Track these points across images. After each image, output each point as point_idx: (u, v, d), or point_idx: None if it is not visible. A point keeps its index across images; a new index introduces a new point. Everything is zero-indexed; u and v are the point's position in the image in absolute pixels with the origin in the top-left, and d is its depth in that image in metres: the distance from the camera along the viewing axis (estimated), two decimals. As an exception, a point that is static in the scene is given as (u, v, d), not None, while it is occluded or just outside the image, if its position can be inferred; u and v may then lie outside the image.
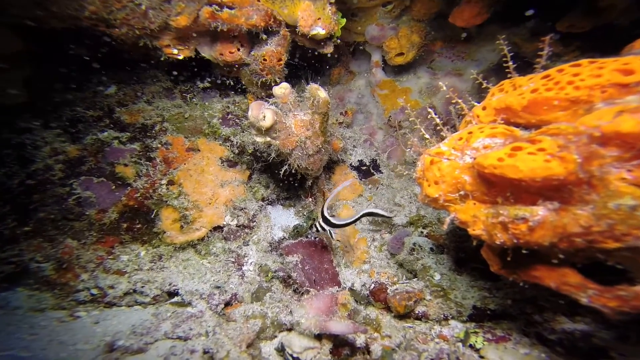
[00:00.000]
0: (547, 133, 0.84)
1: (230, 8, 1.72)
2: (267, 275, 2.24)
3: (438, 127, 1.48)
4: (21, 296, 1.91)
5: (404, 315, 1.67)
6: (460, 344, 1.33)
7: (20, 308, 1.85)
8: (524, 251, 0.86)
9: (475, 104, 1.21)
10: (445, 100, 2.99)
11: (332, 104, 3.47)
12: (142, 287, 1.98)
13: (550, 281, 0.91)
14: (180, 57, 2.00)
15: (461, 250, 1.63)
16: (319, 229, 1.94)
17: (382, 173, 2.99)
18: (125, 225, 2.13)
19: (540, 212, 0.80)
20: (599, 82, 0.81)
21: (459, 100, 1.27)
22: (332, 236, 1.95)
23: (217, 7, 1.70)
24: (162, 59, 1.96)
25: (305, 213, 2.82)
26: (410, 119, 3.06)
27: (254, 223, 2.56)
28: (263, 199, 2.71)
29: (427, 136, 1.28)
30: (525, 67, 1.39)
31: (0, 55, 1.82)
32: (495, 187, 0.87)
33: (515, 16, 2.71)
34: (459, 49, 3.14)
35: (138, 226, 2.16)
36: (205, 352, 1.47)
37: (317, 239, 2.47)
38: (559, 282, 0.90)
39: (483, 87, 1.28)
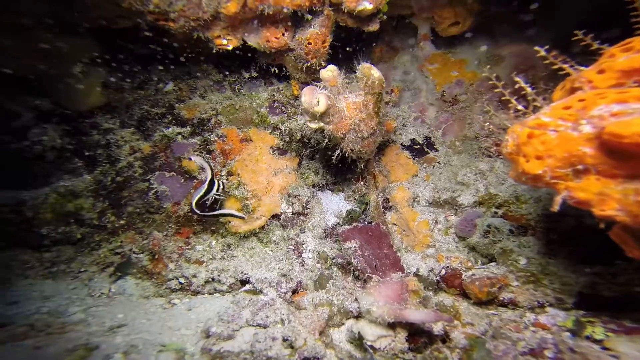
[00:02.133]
0: None
1: (276, -11, 1.67)
2: (326, 262, 2.25)
3: (514, 98, 1.30)
4: (131, 284, 2.16)
5: (486, 302, 1.56)
6: (567, 334, 1.20)
7: (133, 295, 2.11)
8: None
9: (581, 67, 1.02)
10: (512, 69, 2.67)
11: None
12: (219, 275, 2.12)
13: None
14: (230, 48, 2.01)
15: (553, 231, 1.46)
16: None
17: (438, 151, 2.81)
18: (196, 217, 2.26)
19: None
20: None
21: (565, 66, 1.08)
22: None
23: (263, -11, 1.65)
24: (213, 51, 1.99)
25: (356, 197, 2.77)
26: (468, 92, 2.82)
27: (308, 210, 2.57)
28: (313, 185, 2.71)
29: (520, 107, 1.12)
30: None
31: (83, 60, 1.97)
32: (637, 159, 0.73)
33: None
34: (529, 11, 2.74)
35: (206, 216, 2.29)
36: (284, 340, 1.53)
37: (373, 223, 2.42)
38: None
39: (592, 47, 1.06)
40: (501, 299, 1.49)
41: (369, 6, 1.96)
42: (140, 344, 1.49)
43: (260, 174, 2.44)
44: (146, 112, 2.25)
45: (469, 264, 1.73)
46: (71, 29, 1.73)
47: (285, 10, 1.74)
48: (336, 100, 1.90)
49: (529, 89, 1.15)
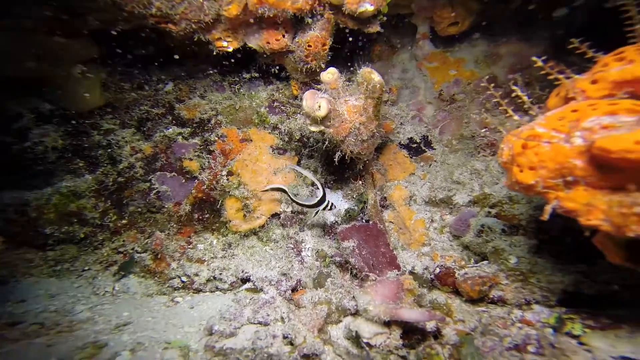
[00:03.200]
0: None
1: (277, -7, 1.68)
2: (325, 260, 2.31)
3: (503, 101, 1.33)
4: (135, 282, 2.20)
5: (477, 300, 1.63)
6: (551, 330, 1.27)
7: (137, 293, 2.15)
8: None
9: (575, 75, 1.06)
10: (509, 69, 2.70)
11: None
12: (220, 274, 2.17)
13: None
14: (230, 50, 2.02)
15: (542, 231, 1.51)
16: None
17: (435, 149, 2.85)
18: (197, 216, 2.31)
19: None
20: None
21: (560, 77, 1.12)
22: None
23: (264, -8, 1.66)
24: (214, 53, 2.00)
25: (354, 196, 2.82)
26: (465, 92, 2.85)
27: (307, 209, 2.62)
28: (312, 184, 2.75)
29: (516, 117, 1.16)
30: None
31: (82, 61, 1.98)
32: (623, 172, 0.77)
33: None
34: (528, 11, 2.75)
35: (207, 216, 2.33)
36: (284, 337, 1.59)
37: (370, 222, 2.46)
38: None
39: (587, 55, 1.10)
40: (491, 296, 1.56)
41: (370, 8, 1.97)
42: (146, 341, 1.54)
43: (260, 174, 2.47)
44: (146, 112, 2.26)
45: (463, 262, 1.79)
46: (72, 31, 1.73)
47: (285, 13, 1.75)
48: (337, 103, 1.93)
49: (525, 98, 1.18)
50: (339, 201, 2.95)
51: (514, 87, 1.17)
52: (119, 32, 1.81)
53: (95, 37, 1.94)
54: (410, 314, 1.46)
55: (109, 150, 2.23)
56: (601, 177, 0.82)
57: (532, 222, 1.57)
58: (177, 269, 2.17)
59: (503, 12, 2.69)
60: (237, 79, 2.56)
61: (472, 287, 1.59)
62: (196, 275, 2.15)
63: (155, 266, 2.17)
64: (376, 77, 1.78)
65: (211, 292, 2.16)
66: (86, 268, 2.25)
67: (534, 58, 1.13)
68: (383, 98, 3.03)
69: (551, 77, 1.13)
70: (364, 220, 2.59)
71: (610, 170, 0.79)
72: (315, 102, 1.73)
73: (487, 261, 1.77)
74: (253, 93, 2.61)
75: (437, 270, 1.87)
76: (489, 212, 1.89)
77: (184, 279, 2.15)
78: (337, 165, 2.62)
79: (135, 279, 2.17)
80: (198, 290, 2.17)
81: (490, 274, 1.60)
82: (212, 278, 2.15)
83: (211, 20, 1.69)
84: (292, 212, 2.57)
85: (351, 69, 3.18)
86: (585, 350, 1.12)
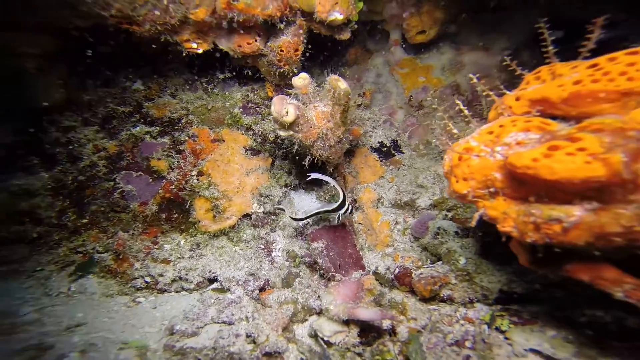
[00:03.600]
0: (588, 129, 0.81)
1: (247, -3, 1.70)
2: (295, 261, 2.37)
3: (462, 112, 1.44)
4: (94, 283, 2.14)
5: (429, 299, 1.74)
6: (485, 326, 1.39)
7: (95, 294, 2.09)
8: (556, 250, 0.87)
9: (507, 92, 1.16)
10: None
11: (349, 85, 3.41)
12: (186, 274, 2.16)
13: (584, 275, 0.92)
14: (200, 51, 2.02)
15: (487, 234, 1.64)
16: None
17: (404, 154, 2.96)
18: (165, 216, 2.29)
19: (576, 212, 0.79)
20: None
21: (491, 93, 1.23)
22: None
23: (233, -3, 1.68)
24: (183, 54, 1.99)
25: (326, 197, 2.89)
26: (432, 98, 2.97)
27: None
28: (286, 185, 2.79)
29: (455, 131, 1.26)
30: (570, 40, 1.24)
31: (38, 56, 1.90)
32: (528, 185, 0.87)
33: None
34: (489, 19, 2.92)
35: (175, 216, 2.32)
36: (248, 336, 1.63)
37: (339, 223, 2.54)
38: (593, 276, 0.90)
39: (516, 72, 1.22)
40: (442, 295, 1.67)
41: (339, 17, 2.03)
42: (100, 342, 1.52)
43: (232, 174, 2.49)
44: (112, 110, 2.21)
45: (419, 263, 1.90)
46: (17, 25, 1.65)
47: (255, 18, 1.78)
48: (306, 109, 1.97)
49: (465, 111, 1.28)
50: (312, 202, 3.02)
51: (457, 101, 1.27)
52: (82, 29, 1.76)
53: (55, 32, 1.87)
54: (366, 313, 1.55)
55: (69, 147, 2.16)
56: (515, 189, 0.92)
57: (480, 225, 1.70)
58: (140, 269, 2.15)
59: (469, 20, 2.85)
60: (211, 79, 2.56)
61: (425, 287, 1.70)
62: (161, 275, 2.14)
63: (116, 266, 2.14)
64: (342, 85, 1.84)
65: (177, 292, 2.16)
66: (38, 269, 2.16)
67: (471, 75, 1.24)
68: (352, 103, 3.13)
69: (484, 92, 1.24)
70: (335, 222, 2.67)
71: (520, 183, 0.89)
72: (283, 107, 1.77)
73: (441, 262, 1.88)
74: (227, 93, 2.61)
75: (397, 270, 1.97)
76: (446, 215, 2.01)
77: (148, 279, 2.14)
78: (311, 167, 2.68)
79: (95, 280, 2.13)
80: (162, 291, 2.16)
81: (442, 274, 1.71)
82: (177, 278, 2.15)
83: (178, 23, 1.69)
84: (263, 212, 2.61)
85: (325, 72, 3.25)
86: (507, 344, 1.26)
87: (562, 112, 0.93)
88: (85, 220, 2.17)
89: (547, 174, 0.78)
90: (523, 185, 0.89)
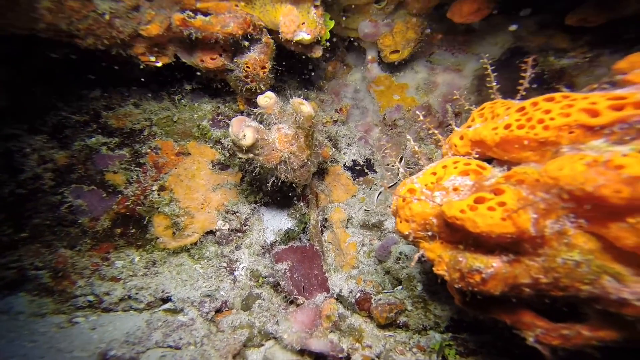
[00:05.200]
0: (513, 179, 0.80)
1: (205, 15, 1.64)
2: (258, 281, 2.30)
3: (430, 132, 1.43)
4: (23, 301, 1.98)
5: (386, 325, 1.71)
6: (434, 356, 1.37)
7: (23, 313, 1.93)
8: (478, 297, 0.87)
9: (456, 128, 1.15)
10: (443, 98, 2.88)
11: (327, 100, 3.39)
12: (137, 293, 2.05)
13: (507, 318, 0.94)
14: (159, 64, 1.94)
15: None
16: None
17: (377, 173, 2.95)
18: (119, 231, 2.18)
19: (494, 264, 0.80)
20: (567, 122, 0.77)
21: (436, 131, 1.21)
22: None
23: (190, 13, 1.62)
24: (140, 66, 1.91)
25: (297, 216, 2.83)
26: (404, 118, 2.99)
27: (247, 226, 2.58)
28: (256, 202, 2.72)
29: (412, 176, 1.22)
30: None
31: None
32: (459, 232, 0.86)
33: (521, 6, 2.54)
34: (461, 41, 2.98)
35: (132, 231, 2.21)
36: (191, 364, 1.55)
37: (308, 243, 2.49)
38: (513, 320, 0.93)
39: (465, 107, 1.22)
40: (398, 322, 1.65)
41: (306, 37, 1.99)
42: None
43: (196, 190, 2.40)
44: (64, 119, 2.08)
45: (380, 288, 1.87)
46: None
47: (215, 35, 1.72)
48: (268, 131, 1.89)
49: (416, 148, 1.26)
50: (283, 220, 2.95)
51: (408, 136, 1.25)
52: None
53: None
54: (316, 344, 1.51)
55: (8, 158, 2.00)
56: (450, 234, 0.91)
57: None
58: (84, 287, 2.02)
59: (441, 42, 2.90)
60: (179, 89, 2.48)
61: (381, 314, 1.67)
62: (106, 294, 2.01)
63: (54, 284, 1.99)
64: (305, 108, 1.77)
65: (124, 311, 2.04)
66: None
67: (417, 112, 1.22)
68: (329, 119, 3.11)
69: (430, 131, 1.22)
70: (304, 240, 2.61)
71: (454, 230, 0.87)
72: (240, 130, 1.69)
73: (402, 286, 1.86)
74: (196, 105, 2.54)
75: (358, 295, 1.93)
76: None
77: (91, 298, 2.01)
78: (281, 187, 2.61)
79: (26, 298, 1.97)
80: (107, 310, 2.03)
81: (399, 301, 1.69)
82: (126, 297, 2.03)
83: (128, 38, 1.61)
84: (229, 229, 2.53)
85: (303, 89, 3.22)
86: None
87: (497, 156, 0.92)
88: (24, 234, 2.03)
89: (471, 226, 0.76)
90: (456, 233, 0.88)
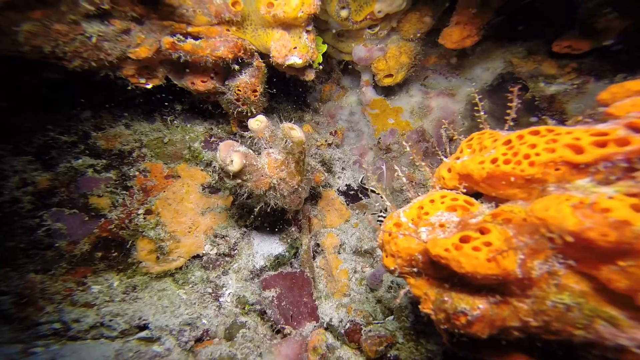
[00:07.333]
0: (499, 217, 0.76)
1: (196, 38, 1.66)
2: (244, 308, 2.18)
3: (417, 163, 1.39)
4: None
5: (376, 359, 1.59)
6: None
7: None
8: (463, 339, 0.80)
9: (444, 159, 1.11)
10: (437, 123, 2.88)
11: (322, 122, 3.40)
12: (110, 320, 1.92)
13: None
14: (149, 86, 1.93)
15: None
16: None
17: (370, 198, 2.90)
18: (100, 254, 2.09)
19: (480, 306, 0.74)
20: (552, 157, 0.73)
21: (423, 164, 1.17)
22: None
23: (180, 37, 1.63)
24: (129, 87, 1.90)
25: (288, 241, 2.74)
26: (398, 143, 2.98)
27: (235, 251, 2.49)
28: (246, 226, 2.64)
29: (410, 195, 1.17)
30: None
31: None
32: (445, 270, 0.80)
33: (511, 33, 2.60)
34: (454, 65, 3.03)
35: (114, 254, 2.12)
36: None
37: (299, 269, 2.40)
38: None
39: (453, 137, 1.19)
40: (389, 355, 1.55)
41: (298, 61, 1.99)
42: None
43: (184, 214, 2.34)
44: (51, 139, 2.05)
45: (370, 318, 1.77)
46: None
47: (205, 59, 1.73)
48: (258, 156, 1.84)
49: (404, 179, 1.22)
50: (274, 244, 2.86)
51: (396, 167, 1.21)
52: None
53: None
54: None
55: None
56: (436, 271, 0.85)
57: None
58: (52, 313, 1.90)
59: (435, 66, 2.94)
60: (171, 110, 2.47)
61: (370, 347, 1.56)
62: (75, 321, 1.88)
63: (16, 310, 1.87)
64: (296, 134, 1.72)
65: (94, 339, 1.89)
66: None
67: (404, 143, 1.19)
68: (324, 142, 3.09)
69: (416, 163, 1.19)
70: (295, 266, 2.52)
71: (440, 267, 0.81)
72: (228, 155, 1.65)
73: (393, 316, 1.76)
74: (188, 126, 2.52)
75: (347, 325, 1.83)
76: (402, 268, 1.90)
77: (57, 325, 1.88)
78: (262, 215, 2.53)
79: None
80: (75, 339, 1.89)
81: (389, 334, 1.59)
82: (98, 324, 1.89)
83: (116, 60, 1.61)
84: (217, 254, 2.44)
85: (299, 111, 3.24)
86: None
87: (485, 192, 0.88)
88: (-6, 257, 1.91)
89: (455, 266, 0.71)
90: (442, 270, 0.82)
